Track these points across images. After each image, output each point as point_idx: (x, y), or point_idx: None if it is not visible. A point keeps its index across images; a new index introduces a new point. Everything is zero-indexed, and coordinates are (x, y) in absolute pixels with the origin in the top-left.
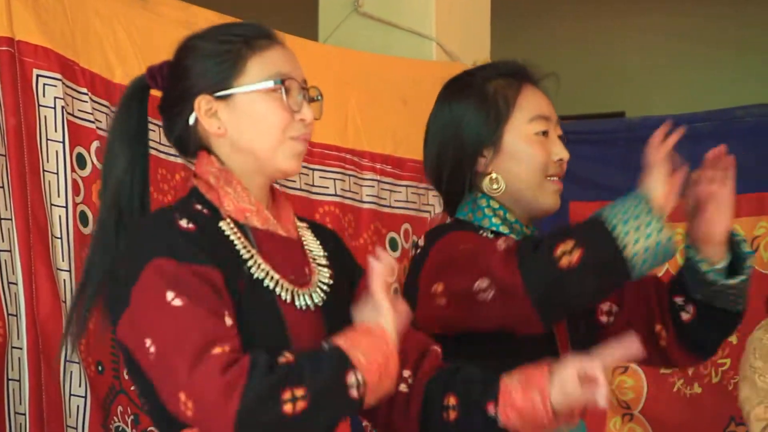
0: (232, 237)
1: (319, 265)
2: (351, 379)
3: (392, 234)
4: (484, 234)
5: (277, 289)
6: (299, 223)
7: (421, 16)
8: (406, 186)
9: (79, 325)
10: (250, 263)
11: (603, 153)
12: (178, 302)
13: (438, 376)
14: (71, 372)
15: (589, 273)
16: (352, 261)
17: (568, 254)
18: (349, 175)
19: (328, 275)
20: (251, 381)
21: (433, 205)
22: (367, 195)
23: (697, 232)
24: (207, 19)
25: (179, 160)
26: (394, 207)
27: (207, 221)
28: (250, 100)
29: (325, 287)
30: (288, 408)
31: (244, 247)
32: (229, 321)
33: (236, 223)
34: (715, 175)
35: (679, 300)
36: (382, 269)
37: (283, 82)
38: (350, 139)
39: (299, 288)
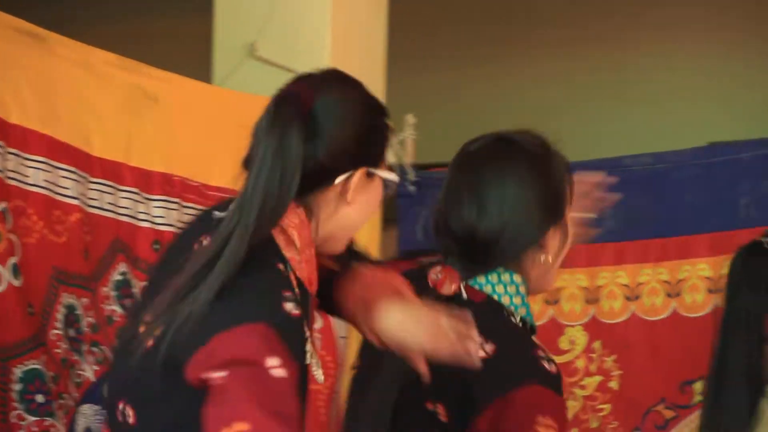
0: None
1: None
2: None
3: None
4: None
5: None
6: None
7: (316, 61)
8: None
9: None
10: (307, 347)
11: None
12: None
13: None
14: None
15: None
16: None
17: None
18: None
19: None
20: None
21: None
22: None
23: None
24: (106, 60)
25: (75, 202)
26: None
27: (302, 298)
28: (377, 185)
29: None
30: None
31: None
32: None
33: (302, 289)
34: None
35: None
36: None
37: None
38: None
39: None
